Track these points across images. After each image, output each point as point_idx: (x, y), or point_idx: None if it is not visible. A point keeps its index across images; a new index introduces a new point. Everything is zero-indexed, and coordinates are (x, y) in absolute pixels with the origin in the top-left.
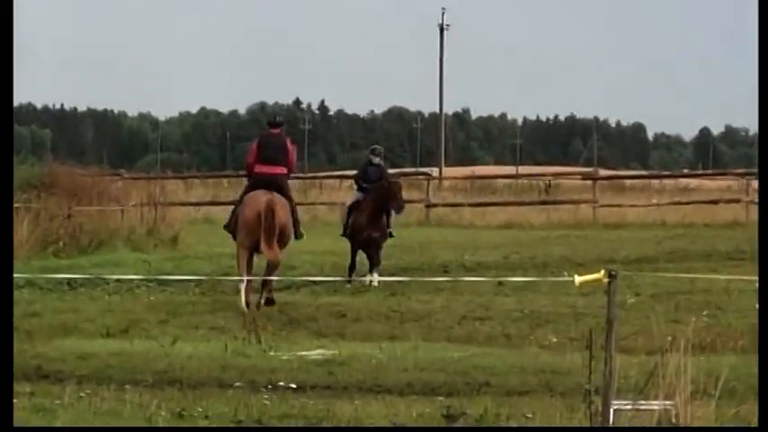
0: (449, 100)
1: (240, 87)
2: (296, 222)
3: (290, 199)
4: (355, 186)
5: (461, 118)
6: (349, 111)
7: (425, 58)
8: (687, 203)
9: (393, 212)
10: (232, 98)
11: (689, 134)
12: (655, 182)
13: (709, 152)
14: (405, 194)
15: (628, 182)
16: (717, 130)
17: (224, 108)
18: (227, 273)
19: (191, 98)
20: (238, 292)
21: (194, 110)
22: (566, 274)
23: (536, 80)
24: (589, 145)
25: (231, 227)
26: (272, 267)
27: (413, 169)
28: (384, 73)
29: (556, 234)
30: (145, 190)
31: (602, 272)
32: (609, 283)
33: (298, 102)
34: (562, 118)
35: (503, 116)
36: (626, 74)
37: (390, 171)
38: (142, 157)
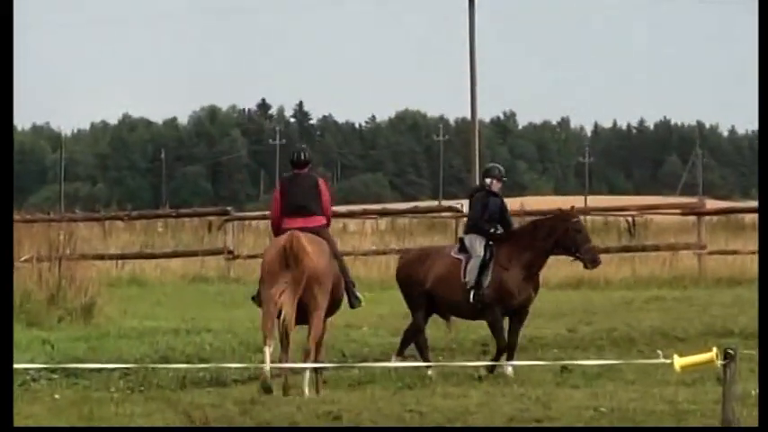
0: (484, 101)
1: (179, 87)
2: (347, 284)
3: (335, 257)
4: (469, 228)
5: (503, 127)
6: (339, 118)
7: (449, 41)
8: None
9: (585, 264)
10: (168, 102)
11: None
12: None
13: None
14: (422, 239)
15: (748, 217)
16: None
17: (156, 116)
18: (167, 357)
19: (106, 103)
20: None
21: (113, 119)
22: (660, 354)
23: (611, 72)
24: (691, 164)
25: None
26: (307, 339)
27: (433, 203)
28: (389, 64)
29: (645, 296)
30: (43, 237)
31: (714, 351)
32: (724, 366)
33: (264, 106)
34: (650, 125)
35: (564, 123)
36: (740, 63)
37: (402, 205)
38: (38, 190)
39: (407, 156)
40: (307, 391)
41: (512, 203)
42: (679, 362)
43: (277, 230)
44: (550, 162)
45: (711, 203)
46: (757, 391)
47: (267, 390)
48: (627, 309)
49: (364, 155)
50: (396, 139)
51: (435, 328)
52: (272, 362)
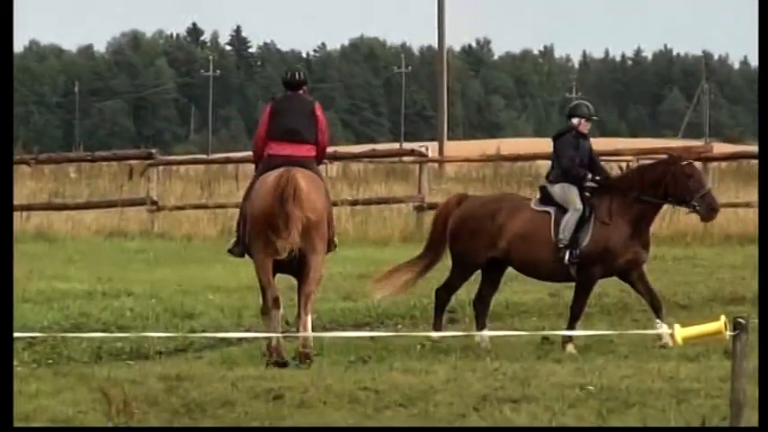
0: (454, 27)
1: (95, 8)
2: (329, 224)
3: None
4: (558, 177)
5: (476, 57)
6: (282, 45)
7: None
8: None
9: (702, 216)
10: (82, 26)
11: None
12: None
13: None
14: (384, 186)
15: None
16: None
17: (69, 43)
18: (79, 326)
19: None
20: (267, 329)
21: (17, 47)
22: (658, 323)
23: None
24: (696, 101)
25: (241, 233)
26: (305, 283)
27: (394, 146)
28: None
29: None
30: None
31: (722, 319)
32: (734, 338)
33: (195, 30)
34: (648, 55)
35: (547, 53)
36: None
37: (356, 148)
38: None
39: (363, 90)
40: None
41: (486, 146)
42: (681, 333)
43: (260, 157)
44: (531, 98)
45: (720, 147)
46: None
47: (282, 364)
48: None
49: (312, 89)
50: (349, 70)
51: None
52: (283, 329)
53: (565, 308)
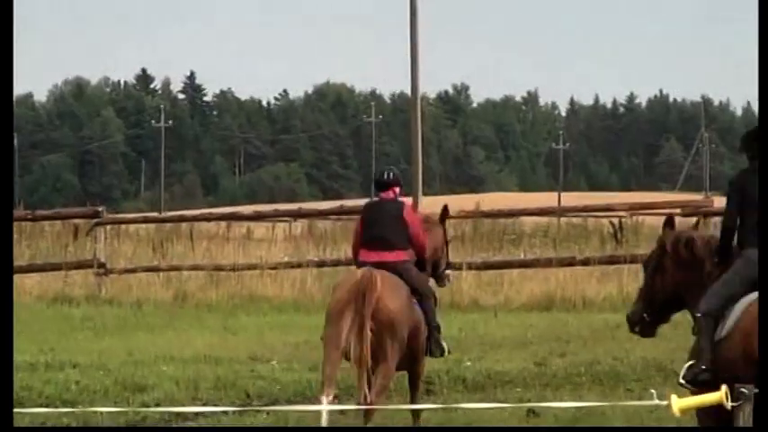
0: (429, 72)
1: (36, 54)
2: (431, 329)
3: (421, 293)
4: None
5: (453, 104)
6: (240, 93)
7: None
8: None
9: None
10: (22, 73)
11: None
12: None
13: None
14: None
15: None
16: None
17: None
18: (21, 400)
19: None
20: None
21: None
22: (654, 393)
23: (592, 33)
24: (694, 151)
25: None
26: (376, 394)
27: (362, 201)
28: (305, 24)
29: None
30: None
31: (723, 389)
32: (734, 409)
33: (144, 77)
34: (642, 101)
35: (531, 99)
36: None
37: (323, 204)
38: None
39: (330, 142)
40: None
41: (465, 201)
42: (678, 404)
43: (355, 260)
44: (514, 149)
45: (720, 201)
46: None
47: None
48: (612, 336)
49: (274, 140)
50: (314, 120)
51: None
52: (329, 419)
53: (553, 377)
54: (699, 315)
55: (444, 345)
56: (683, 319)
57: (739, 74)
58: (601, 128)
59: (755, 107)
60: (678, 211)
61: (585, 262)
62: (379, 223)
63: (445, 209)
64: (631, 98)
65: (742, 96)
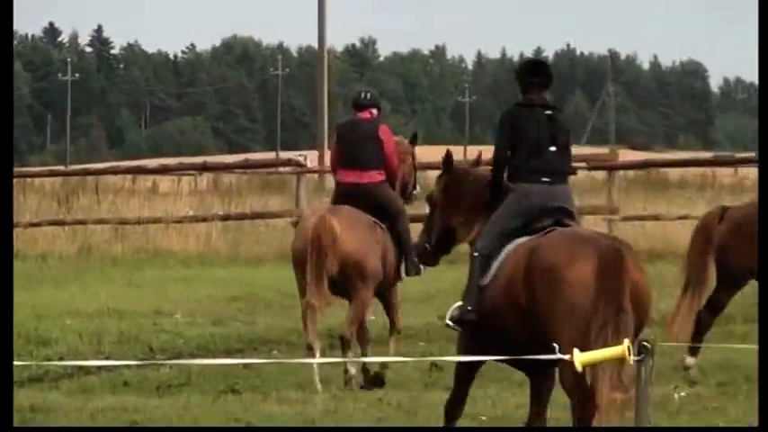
0: (336, 25)
1: None
2: (406, 250)
3: (394, 214)
4: None
5: (361, 57)
6: (147, 46)
7: None
8: None
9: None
10: None
11: None
12: (724, 171)
13: None
14: (258, 200)
15: (672, 172)
16: None
17: None
18: None
19: None
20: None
21: None
22: (556, 347)
23: None
24: (600, 104)
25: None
26: (349, 323)
27: (269, 155)
28: None
29: None
30: None
31: (626, 343)
32: (638, 363)
33: (52, 31)
34: (549, 54)
35: (438, 53)
36: None
37: (229, 158)
38: None
39: (236, 95)
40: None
41: None
42: (580, 357)
43: (334, 177)
44: (420, 102)
45: (626, 155)
46: (679, 394)
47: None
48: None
49: (181, 93)
50: (221, 73)
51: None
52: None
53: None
54: (473, 253)
55: (416, 263)
56: None
57: (646, 28)
58: (507, 81)
59: (662, 60)
60: (584, 164)
61: None
62: (354, 143)
63: (414, 135)
64: (538, 52)
65: (649, 50)
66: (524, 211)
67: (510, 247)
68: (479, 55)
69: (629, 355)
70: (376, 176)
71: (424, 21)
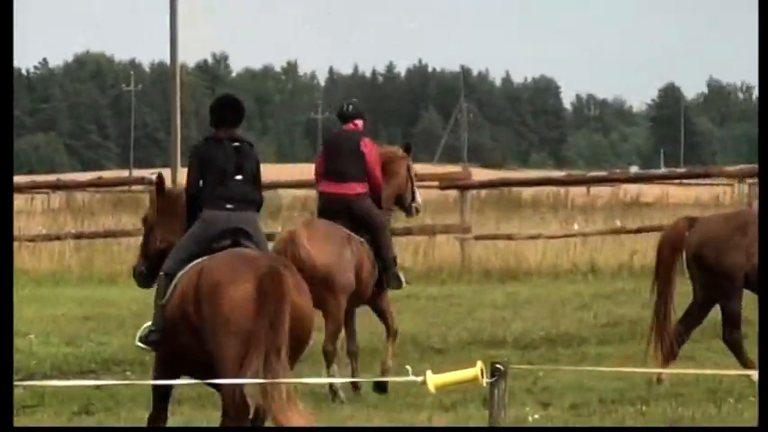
0: (188, 41)
1: None
2: (387, 262)
3: (373, 228)
4: None
5: (213, 73)
6: None
7: None
8: (637, 231)
9: None
10: None
11: (640, 98)
12: (576, 190)
13: (679, 131)
14: (111, 218)
15: (526, 191)
16: (692, 89)
17: None
18: None
19: None
20: None
21: None
22: (410, 369)
23: (350, 5)
24: (453, 121)
25: None
26: (327, 340)
27: (122, 173)
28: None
29: (396, 293)
30: None
31: (479, 365)
32: (491, 385)
33: None
34: (401, 70)
35: (290, 69)
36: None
37: (82, 176)
38: None
39: (89, 111)
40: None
41: None
42: (434, 380)
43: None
44: (272, 119)
45: (479, 173)
46: (532, 416)
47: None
48: (369, 312)
49: (33, 110)
50: (73, 89)
51: None
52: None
53: (308, 353)
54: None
55: (401, 276)
56: (439, 294)
57: (497, 45)
58: (360, 98)
59: (514, 77)
60: (436, 183)
61: None
62: (336, 155)
63: (407, 146)
64: (390, 68)
65: (501, 67)
66: (207, 235)
67: (188, 267)
68: (332, 71)
69: (483, 377)
70: (356, 188)
71: (276, 37)
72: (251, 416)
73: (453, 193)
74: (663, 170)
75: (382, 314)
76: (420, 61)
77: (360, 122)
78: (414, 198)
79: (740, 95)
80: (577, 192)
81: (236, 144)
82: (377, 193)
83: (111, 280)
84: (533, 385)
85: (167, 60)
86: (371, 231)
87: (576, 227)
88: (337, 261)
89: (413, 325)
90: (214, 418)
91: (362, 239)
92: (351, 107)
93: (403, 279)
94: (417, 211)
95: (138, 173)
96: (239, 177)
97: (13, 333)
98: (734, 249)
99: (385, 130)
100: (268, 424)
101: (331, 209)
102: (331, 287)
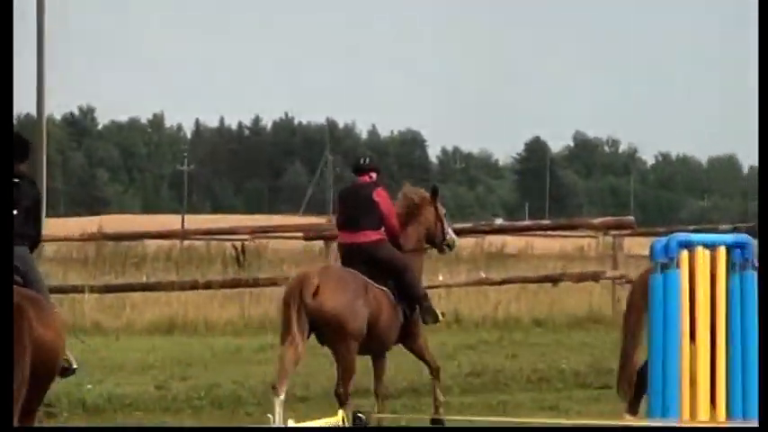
0: (55, 93)
1: None
2: (418, 299)
3: (395, 269)
4: None
5: (79, 126)
6: None
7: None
8: (501, 283)
9: None
10: None
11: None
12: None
13: (544, 183)
14: None
15: None
16: (558, 142)
17: None
18: None
19: None
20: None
21: None
22: (270, 417)
23: (212, 56)
24: (318, 174)
25: None
26: (342, 383)
27: None
28: None
29: (256, 343)
30: None
31: (340, 414)
32: None
33: None
34: (267, 123)
35: (155, 122)
36: (384, 42)
37: None
38: None
39: None
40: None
41: (89, 224)
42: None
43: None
44: (139, 171)
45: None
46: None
47: None
48: (233, 360)
49: None
50: None
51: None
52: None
53: (173, 401)
54: None
55: (437, 311)
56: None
57: (364, 97)
58: (226, 151)
59: (381, 130)
60: (300, 234)
61: (208, 285)
62: (351, 206)
63: (434, 189)
64: (257, 120)
65: (367, 119)
66: None
67: None
68: (198, 123)
69: (344, 424)
70: (372, 235)
71: (142, 89)
72: None
73: (318, 243)
74: (528, 221)
75: (420, 354)
76: (286, 114)
77: (374, 174)
78: (444, 237)
79: (606, 149)
80: None
81: (16, 180)
82: (395, 238)
83: None
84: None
85: (34, 113)
86: (395, 274)
87: (440, 278)
88: (347, 307)
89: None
90: None
91: (384, 288)
92: (366, 160)
93: (439, 313)
94: (450, 247)
95: None
96: (14, 213)
97: None
98: None
99: (251, 183)
100: None
101: (351, 257)
102: (339, 332)
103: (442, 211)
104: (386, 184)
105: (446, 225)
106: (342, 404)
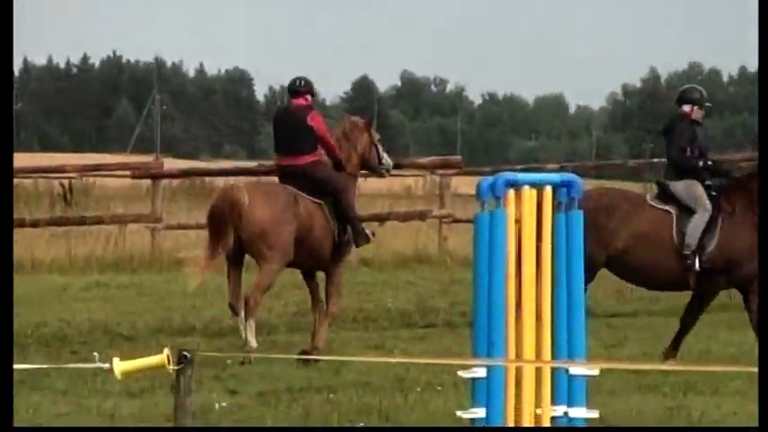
0: None
1: None
2: (352, 224)
3: (332, 190)
4: (673, 173)
5: None
6: None
7: None
8: None
9: None
10: None
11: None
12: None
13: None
14: None
15: (218, 181)
16: (386, 81)
17: None
18: None
19: None
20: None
21: None
22: (96, 356)
23: None
24: (146, 112)
25: None
26: (254, 287)
27: None
28: None
29: (83, 282)
30: None
31: (165, 351)
32: (178, 372)
33: None
34: (96, 62)
35: None
36: None
37: None
38: None
39: None
40: (252, 341)
41: None
42: (120, 366)
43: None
44: None
45: (171, 163)
46: (220, 404)
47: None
48: (59, 298)
49: None
50: None
51: None
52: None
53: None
54: None
55: (368, 232)
56: (129, 283)
57: (192, 35)
58: (54, 89)
59: (208, 68)
60: (128, 172)
61: (35, 223)
62: (286, 130)
63: (369, 118)
64: (85, 59)
65: (195, 58)
66: None
67: None
68: (26, 61)
69: (169, 363)
70: (308, 158)
71: None
72: None
73: (146, 182)
74: None
75: (329, 288)
76: (114, 52)
77: (309, 97)
78: (380, 161)
79: (433, 89)
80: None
81: None
82: (335, 157)
83: None
84: (222, 372)
85: None
86: (333, 193)
87: None
88: (275, 218)
89: (102, 313)
90: None
91: (319, 201)
92: (301, 82)
93: (369, 234)
94: (388, 171)
95: None
96: None
97: None
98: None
99: (78, 122)
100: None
101: (289, 178)
102: (267, 243)
103: (376, 136)
104: (209, 122)
105: (381, 150)
106: (248, 313)
